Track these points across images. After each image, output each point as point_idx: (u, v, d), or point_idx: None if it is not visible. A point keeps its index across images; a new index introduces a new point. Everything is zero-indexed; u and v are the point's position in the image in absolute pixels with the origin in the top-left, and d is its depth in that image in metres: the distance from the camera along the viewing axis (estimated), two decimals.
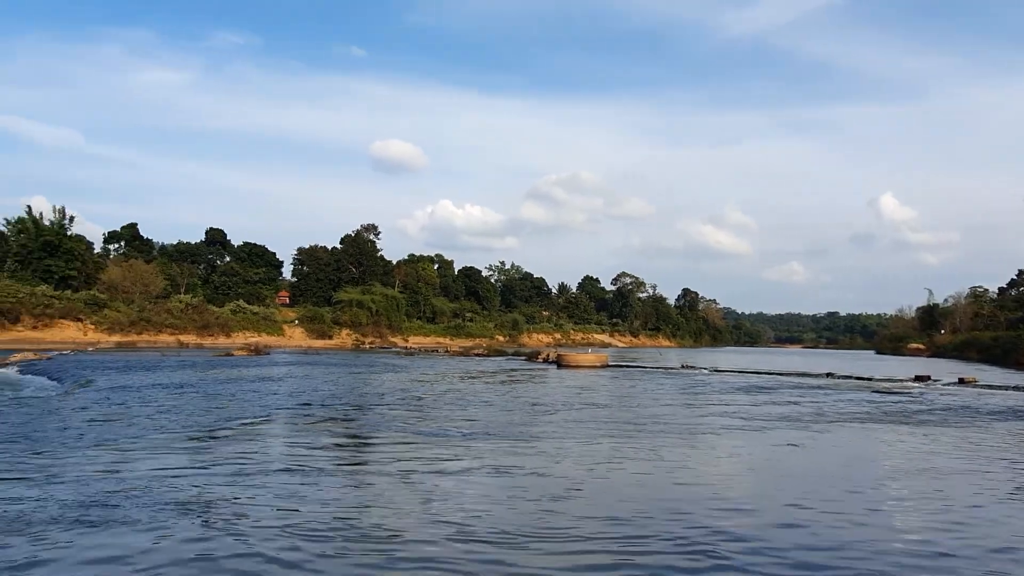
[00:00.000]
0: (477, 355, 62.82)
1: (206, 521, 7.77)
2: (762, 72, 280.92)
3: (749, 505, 9.30)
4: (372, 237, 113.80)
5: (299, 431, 15.21)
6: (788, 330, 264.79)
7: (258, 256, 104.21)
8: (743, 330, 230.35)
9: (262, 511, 8.33)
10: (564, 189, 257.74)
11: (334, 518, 8.10)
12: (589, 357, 46.15)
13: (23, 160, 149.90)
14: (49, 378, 28.14)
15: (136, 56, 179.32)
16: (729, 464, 12.66)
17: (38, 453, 11.64)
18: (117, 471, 10.31)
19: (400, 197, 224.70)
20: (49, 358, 40.82)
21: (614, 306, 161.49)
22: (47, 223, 77.49)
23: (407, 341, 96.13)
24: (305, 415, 17.71)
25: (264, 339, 78.46)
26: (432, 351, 73.13)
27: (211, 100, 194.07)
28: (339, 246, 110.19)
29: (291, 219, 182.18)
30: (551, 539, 7.48)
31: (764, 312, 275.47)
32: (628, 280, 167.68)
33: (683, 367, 45.04)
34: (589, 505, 9.12)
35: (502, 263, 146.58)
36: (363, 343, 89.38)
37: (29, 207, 78.53)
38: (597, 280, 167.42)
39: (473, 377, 33.35)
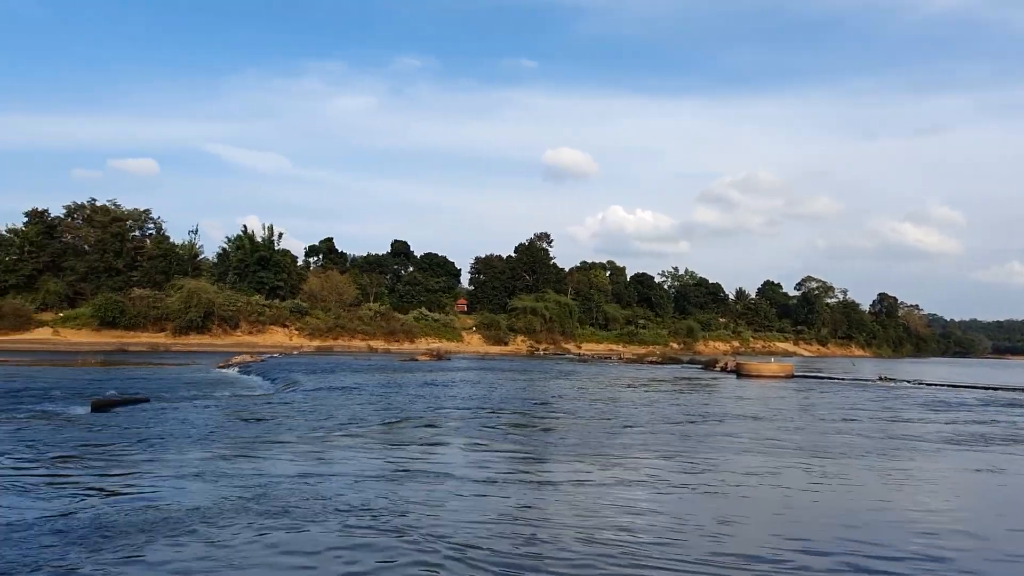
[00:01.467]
0: (651, 362, 61.66)
1: (378, 518, 8.24)
2: (969, 51, 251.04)
3: (961, 537, 8.28)
4: (545, 245, 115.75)
5: (478, 434, 15.72)
6: (1009, 339, 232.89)
7: (438, 266, 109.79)
8: (952, 339, 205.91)
9: (438, 515, 8.69)
10: (739, 190, 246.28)
11: (504, 527, 8.27)
12: (772, 367, 43.63)
13: (239, 184, 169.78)
14: (263, 378, 31.45)
15: (331, 85, 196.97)
16: (935, 490, 11.36)
17: (251, 446, 13.02)
18: (314, 470, 11.23)
19: (571, 204, 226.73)
20: (262, 360, 45.68)
21: (798, 312, 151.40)
22: (259, 240, 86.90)
23: (580, 348, 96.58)
24: (484, 418, 18.30)
25: (444, 345, 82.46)
26: (605, 358, 72.84)
27: (394, 121, 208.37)
28: (513, 255, 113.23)
29: (468, 230, 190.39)
30: (730, 568, 7.12)
31: (978, 319, 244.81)
32: (814, 284, 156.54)
33: (880, 379, 41.18)
34: (772, 531, 8.58)
35: (675, 269, 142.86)
36: (537, 349, 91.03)
37: (245, 226, 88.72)
38: (779, 285, 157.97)
39: (646, 385, 32.75)
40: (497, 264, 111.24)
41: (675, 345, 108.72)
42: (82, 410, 17.85)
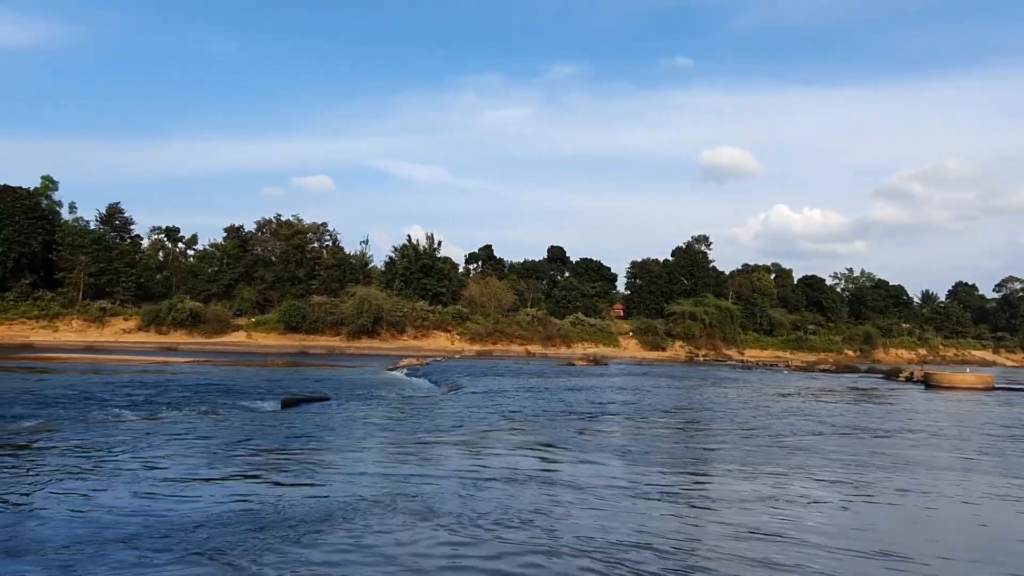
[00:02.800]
0: (823, 371, 57.61)
1: (528, 524, 8.26)
2: None
3: None
4: (703, 248, 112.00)
5: (636, 443, 15.44)
6: None
7: (594, 271, 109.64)
8: None
9: (588, 526, 8.57)
10: (923, 183, 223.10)
11: (659, 542, 8.00)
12: (967, 377, 39.24)
13: (404, 196, 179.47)
14: (428, 380, 32.94)
15: (486, 98, 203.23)
16: None
17: (416, 445, 13.64)
18: (473, 472, 11.53)
19: (731, 205, 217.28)
20: (427, 363, 47.89)
21: (998, 317, 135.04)
22: (422, 248, 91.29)
23: (743, 354, 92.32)
24: (642, 426, 17.97)
25: (601, 350, 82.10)
26: (771, 365, 69.13)
27: (548, 129, 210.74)
28: (670, 258, 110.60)
29: (623, 234, 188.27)
30: None
31: None
32: (1017, 285, 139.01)
33: None
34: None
35: (849, 270, 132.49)
36: (696, 355, 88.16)
37: (409, 235, 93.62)
38: (973, 287, 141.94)
39: (817, 395, 30.62)
40: (654, 268, 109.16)
41: (850, 352, 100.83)
42: (273, 406, 19.62)
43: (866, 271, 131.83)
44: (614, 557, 7.22)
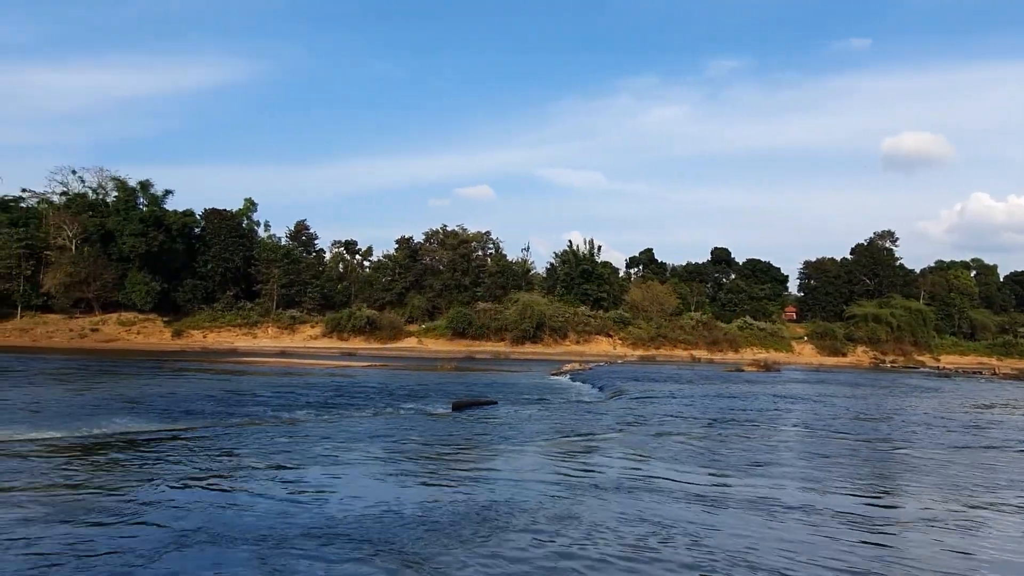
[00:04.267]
0: None
1: (697, 543, 7.84)
2: None
3: None
4: (888, 244, 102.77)
5: (813, 457, 14.37)
6: None
7: (762, 272, 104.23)
8: None
9: (755, 549, 8.02)
10: None
11: None
12: None
13: (562, 202, 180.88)
14: (592, 385, 32.86)
15: (643, 100, 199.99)
16: None
17: (589, 449, 13.58)
18: (634, 481, 11.25)
19: (919, 196, 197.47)
20: (589, 368, 47.82)
21: None
22: (581, 254, 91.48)
23: (938, 360, 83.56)
24: (821, 439, 16.72)
25: (772, 355, 77.74)
26: (973, 372, 61.92)
27: (710, 127, 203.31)
28: (849, 256, 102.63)
29: (794, 232, 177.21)
30: None
31: None
32: None
33: None
34: None
35: None
36: (883, 361, 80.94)
37: (570, 241, 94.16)
38: None
39: None
40: (830, 268, 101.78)
41: None
42: (444, 409, 20.45)
43: None
44: None
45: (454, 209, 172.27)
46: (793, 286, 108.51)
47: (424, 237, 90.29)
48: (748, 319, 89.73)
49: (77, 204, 77.15)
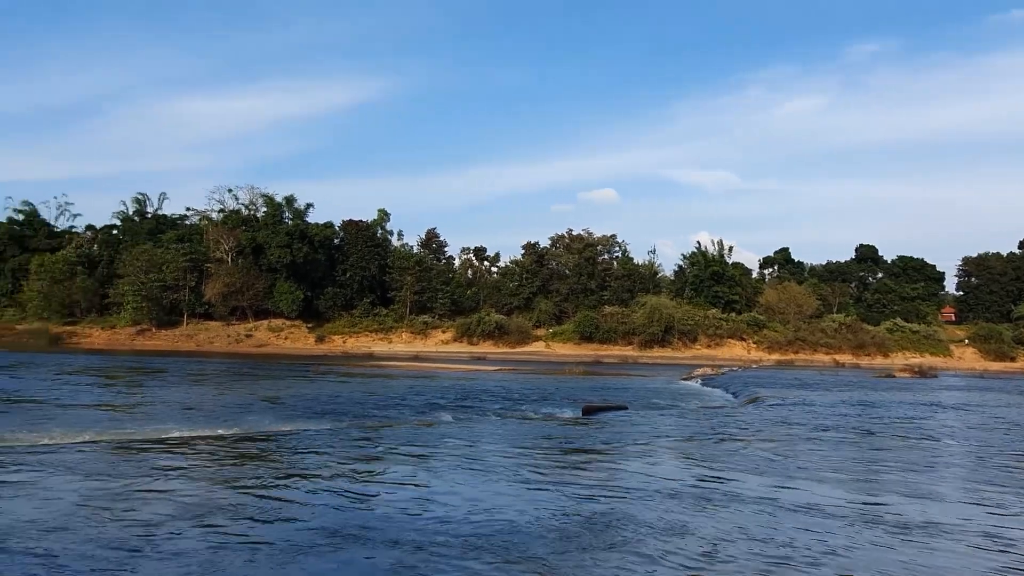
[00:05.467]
0: None
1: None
2: None
3: None
4: None
5: (984, 482, 12.97)
6: None
7: (914, 270, 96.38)
8: None
9: None
10: None
11: None
12: None
13: (689, 203, 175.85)
14: (725, 391, 31.63)
15: (775, 92, 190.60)
16: None
17: (717, 458, 13.00)
18: (776, 494, 10.59)
19: None
20: (722, 373, 46.10)
21: None
22: (711, 255, 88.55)
23: None
24: (995, 459, 15.10)
25: (927, 359, 71.59)
26: None
27: (849, 117, 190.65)
28: (1017, 251, 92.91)
29: (949, 226, 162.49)
30: None
31: None
32: None
33: None
34: None
35: None
36: None
37: (698, 242, 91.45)
38: None
39: None
40: (995, 264, 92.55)
41: None
42: (574, 413, 20.36)
43: None
44: None
45: (578, 213, 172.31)
46: (950, 284, 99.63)
47: (550, 242, 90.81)
48: (898, 321, 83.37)
49: (232, 220, 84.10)
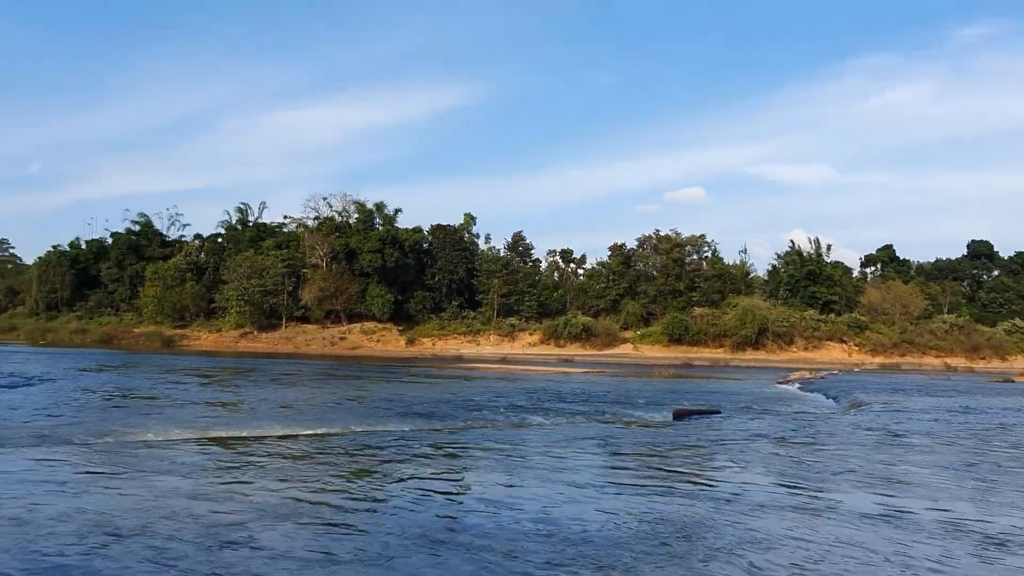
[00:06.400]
0: None
1: None
2: None
3: None
4: None
5: None
6: None
7: None
8: None
9: None
10: None
11: None
12: None
13: (782, 200, 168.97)
14: (825, 396, 30.16)
15: (876, 81, 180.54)
16: None
17: (824, 467, 12.32)
18: (889, 513, 9.92)
19: None
20: (821, 377, 44.07)
21: None
22: (807, 254, 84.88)
23: None
24: None
25: None
26: None
27: (959, 104, 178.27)
28: None
29: None
30: None
31: None
32: None
33: None
34: None
35: None
36: None
37: (792, 241, 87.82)
38: None
39: None
40: None
41: None
42: (664, 417, 19.88)
43: None
44: None
45: (664, 213, 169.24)
46: None
47: (637, 243, 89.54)
48: (1017, 322, 77.52)
49: (326, 226, 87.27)
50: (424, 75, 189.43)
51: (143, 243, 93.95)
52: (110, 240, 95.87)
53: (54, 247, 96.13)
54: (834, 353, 73.44)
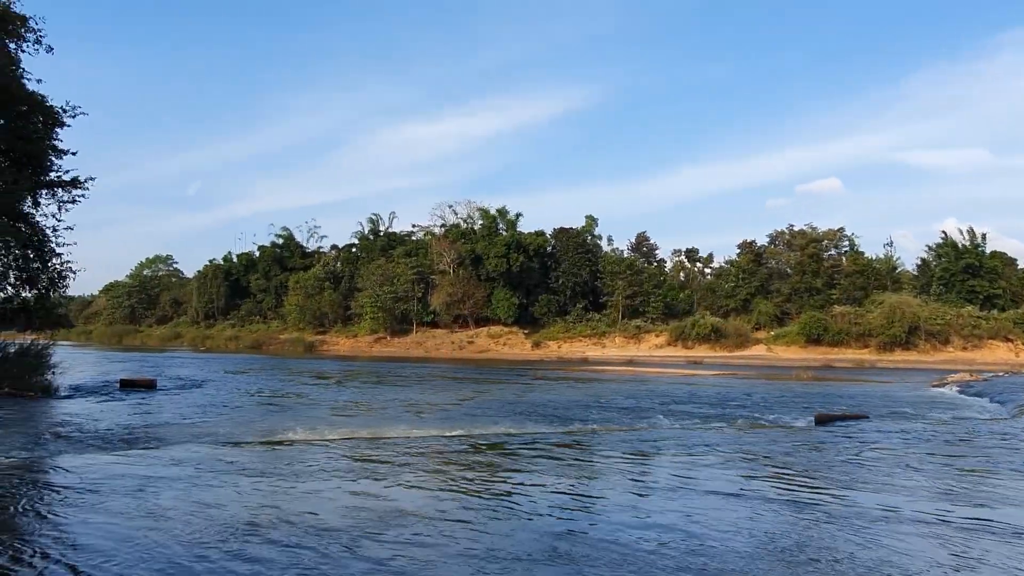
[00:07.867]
0: None
1: None
2: None
3: None
4: None
5: None
6: None
7: None
8: None
9: None
10: None
11: None
12: None
13: (930, 188, 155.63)
14: (990, 400, 27.45)
15: None
16: None
17: (986, 483, 11.17)
18: None
19: None
20: (984, 379, 40.14)
21: None
22: (962, 246, 77.66)
23: None
24: None
25: None
26: None
27: None
28: None
29: None
30: None
31: None
32: None
33: None
34: None
35: None
36: None
37: (944, 232, 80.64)
38: None
39: None
40: None
41: None
42: (805, 422, 18.80)
43: None
44: None
45: (796, 208, 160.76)
46: None
47: (768, 239, 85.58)
48: None
49: (453, 233, 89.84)
50: (537, 81, 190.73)
51: (286, 255, 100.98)
52: (257, 253, 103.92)
53: (210, 261, 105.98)
54: (998, 353, 66.67)
